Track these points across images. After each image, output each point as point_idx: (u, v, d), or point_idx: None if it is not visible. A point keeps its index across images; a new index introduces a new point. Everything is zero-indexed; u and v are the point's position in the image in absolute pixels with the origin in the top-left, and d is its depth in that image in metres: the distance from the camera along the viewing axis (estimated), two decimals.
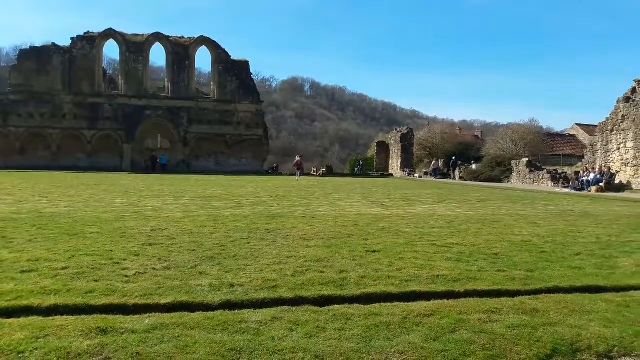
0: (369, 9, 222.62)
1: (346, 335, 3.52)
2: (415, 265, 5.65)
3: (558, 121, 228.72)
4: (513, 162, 34.42)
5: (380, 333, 3.61)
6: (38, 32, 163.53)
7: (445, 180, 36.31)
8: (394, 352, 3.30)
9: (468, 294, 4.67)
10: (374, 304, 4.25)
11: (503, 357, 3.30)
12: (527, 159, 33.51)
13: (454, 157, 42.11)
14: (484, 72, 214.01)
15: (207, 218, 9.63)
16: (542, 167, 32.94)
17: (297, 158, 36.40)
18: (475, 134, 67.19)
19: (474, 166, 38.82)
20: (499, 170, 34.90)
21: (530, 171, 31.80)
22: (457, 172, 39.53)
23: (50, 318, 3.68)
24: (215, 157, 42.85)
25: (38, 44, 42.13)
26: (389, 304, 4.30)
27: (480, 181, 33.72)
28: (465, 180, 36.02)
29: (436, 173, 41.91)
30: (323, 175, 43.17)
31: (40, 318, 3.69)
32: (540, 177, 30.70)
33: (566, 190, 25.12)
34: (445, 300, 4.45)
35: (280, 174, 43.54)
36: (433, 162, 43.99)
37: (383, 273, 5.23)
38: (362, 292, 4.53)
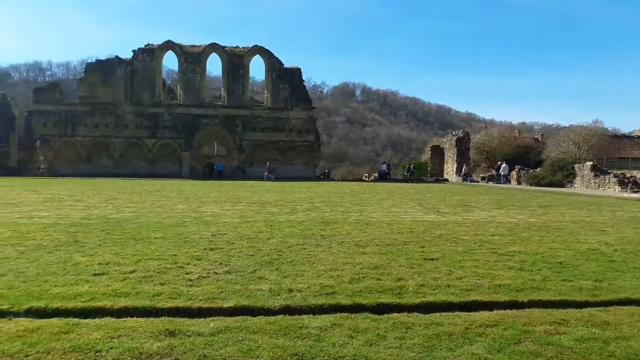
0: (421, 12, 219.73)
1: (407, 344, 3.50)
2: (475, 274, 5.52)
3: (625, 122, 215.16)
4: (576, 165, 32.77)
5: (441, 343, 3.56)
6: (103, 45, 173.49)
7: (503, 185, 35.13)
8: None
9: (532, 304, 4.52)
10: (434, 313, 4.20)
11: None
12: (591, 163, 31.80)
13: (499, 162, 40.88)
14: (544, 73, 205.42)
15: (264, 223, 9.83)
16: (608, 170, 31.14)
17: (268, 164, 40.51)
18: (535, 136, 64.55)
19: (503, 170, 37.87)
20: (561, 175, 33.28)
21: (595, 175, 30.16)
22: (511, 177, 38.28)
23: (122, 319, 3.89)
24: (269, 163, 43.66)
25: (103, 57, 44.80)
26: (449, 313, 4.23)
27: (541, 186, 32.33)
28: (500, 184, 34.75)
29: (467, 178, 41.97)
30: (375, 180, 42.91)
31: (113, 319, 3.91)
32: (607, 181, 29.04)
33: (635, 195, 23.62)
34: (509, 311, 4.33)
35: (332, 180, 43.70)
36: (464, 167, 43.50)
37: (442, 282, 5.14)
38: (421, 300, 4.48)
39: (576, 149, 42.65)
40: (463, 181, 41.44)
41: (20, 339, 3.39)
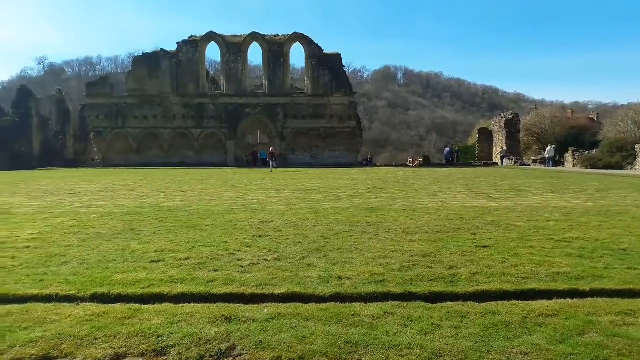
0: None
1: (463, 334, 3.43)
2: (531, 262, 5.33)
3: None
4: (637, 146, 30.96)
5: (499, 332, 3.46)
6: (149, 38, 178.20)
7: (556, 168, 33.77)
8: (516, 352, 3.15)
9: (595, 293, 4.33)
10: (490, 302, 4.09)
11: None
12: None
13: (550, 145, 39.25)
14: (598, 49, 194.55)
15: (309, 211, 9.87)
16: None
17: (270, 149, 35.22)
18: (590, 116, 61.51)
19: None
20: (620, 156, 31.53)
21: None
22: (564, 159, 36.70)
23: (180, 305, 4.02)
24: (310, 150, 43.77)
25: (149, 50, 45.89)
26: (505, 302, 4.11)
27: (597, 168, 30.82)
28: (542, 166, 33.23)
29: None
30: (420, 165, 42.23)
31: (171, 305, 4.04)
32: None
33: None
34: (569, 300, 4.17)
35: (375, 165, 43.37)
36: (501, 150, 43.13)
37: (497, 270, 5.00)
38: (475, 289, 4.37)
39: (636, 129, 40.28)
40: (501, 164, 40.77)
41: (89, 323, 3.57)
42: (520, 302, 4.11)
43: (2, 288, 4.44)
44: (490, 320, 3.66)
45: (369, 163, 45.56)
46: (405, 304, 4.04)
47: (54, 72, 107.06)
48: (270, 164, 31.93)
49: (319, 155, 43.67)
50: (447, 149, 44.69)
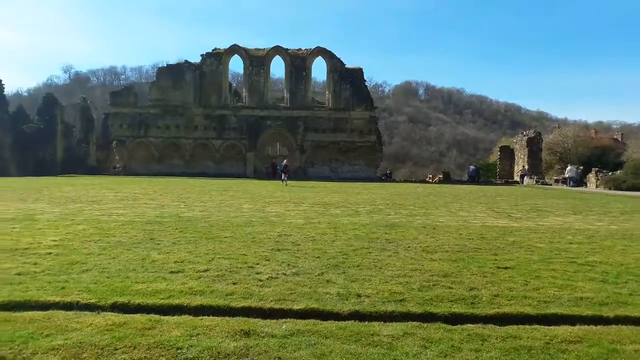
0: (486, 6, 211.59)
1: (483, 357, 3.38)
2: (554, 285, 5.24)
3: None
4: None
5: (520, 357, 3.41)
6: (173, 50, 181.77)
7: (578, 188, 33.16)
8: None
9: (619, 320, 4.24)
10: (511, 326, 4.03)
11: None
12: None
13: (570, 165, 38.96)
14: (623, 66, 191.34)
15: (327, 225, 9.87)
16: None
17: (284, 162, 33.63)
18: (614, 136, 60.42)
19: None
20: None
21: None
22: (587, 179, 36.08)
23: (199, 318, 4.05)
24: (330, 163, 43.88)
25: (173, 61, 46.88)
26: (527, 326, 4.04)
27: (621, 190, 30.15)
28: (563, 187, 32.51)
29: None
30: (440, 182, 41.89)
31: (191, 317, 4.07)
32: None
33: None
34: (593, 326, 4.08)
35: (394, 181, 43.19)
36: (522, 168, 42.12)
37: (518, 292, 4.92)
38: (496, 311, 4.31)
39: None
40: (522, 182, 40.57)
41: (109, 332, 3.62)
42: (542, 326, 4.04)
43: (25, 294, 4.54)
44: (511, 345, 3.61)
45: (388, 178, 45.38)
46: (425, 325, 4.00)
47: (79, 80, 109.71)
48: (283, 176, 31.29)
49: (338, 169, 43.74)
50: (472, 167, 44.37)
